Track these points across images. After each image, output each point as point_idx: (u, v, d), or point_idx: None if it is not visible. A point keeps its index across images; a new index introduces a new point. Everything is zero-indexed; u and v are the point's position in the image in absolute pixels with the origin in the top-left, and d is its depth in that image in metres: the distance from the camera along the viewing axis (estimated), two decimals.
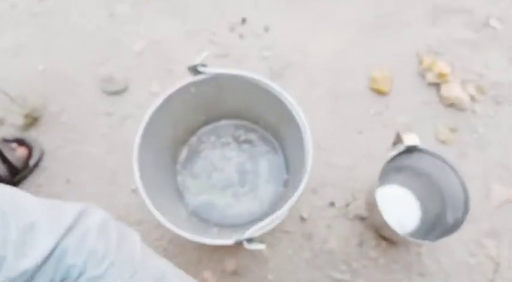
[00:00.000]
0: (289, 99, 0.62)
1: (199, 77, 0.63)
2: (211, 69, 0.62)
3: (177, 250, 0.74)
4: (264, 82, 0.63)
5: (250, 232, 0.53)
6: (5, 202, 0.34)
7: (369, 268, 0.73)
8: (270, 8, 0.99)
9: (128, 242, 0.39)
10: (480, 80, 0.89)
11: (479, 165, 0.81)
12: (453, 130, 0.84)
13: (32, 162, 0.79)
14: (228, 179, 0.77)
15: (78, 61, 0.92)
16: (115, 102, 0.87)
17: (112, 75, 0.89)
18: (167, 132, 0.70)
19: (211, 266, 0.73)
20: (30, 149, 0.79)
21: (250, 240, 0.53)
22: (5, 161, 0.74)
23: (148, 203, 0.55)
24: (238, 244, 0.54)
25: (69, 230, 0.35)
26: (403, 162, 0.70)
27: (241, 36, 0.95)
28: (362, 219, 0.76)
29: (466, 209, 0.63)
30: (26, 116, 0.83)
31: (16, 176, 0.77)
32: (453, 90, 0.85)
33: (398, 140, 0.66)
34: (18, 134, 0.81)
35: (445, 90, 0.86)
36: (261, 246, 0.53)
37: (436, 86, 0.88)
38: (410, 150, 0.65)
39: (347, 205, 0.78)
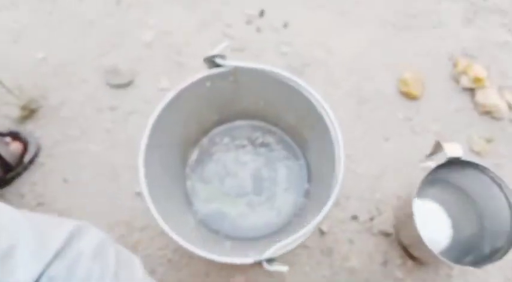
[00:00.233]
0: (316, 95, 0.55)
1: (215, 70, 0.58)
2: (231, 62, 0.57)
3: (183, 261, 0.69)
4: (287, 77, 0.57)
5: (272, 252, 0.47)
6: None
7: None
8: (289, 0, 0.93)
9: (127, 268, 0.35)
10: None
11: None
12: (489, 140, 0.78)
13: (26, 158, 0.75)
14: (242, 185, 0.71)
15: (81, 50, 0.87)
16: (119, 96, 0.83)
17: (117, 66, 0.85)
18: (177, 132, 0.65)
19: (220, 281, 0.67)
20: (25, 144, 0.76)
21: (270, 260, 0.47)
22: None
23: (153, 210, 0.50)
24: (257, 263, 0.47)
25: (58, 254, 0.30)
26: (436, 174, 0.64)
27: (258, 29, 0.89)
28: (387, 235, 0.71)
29: None
30: (23, 108, 0.79)
31: (9, 173, 0.73)
32: (490, 96, 0.79)
33: (437, 149, 0.59)
34: (13, 127, 0.78)
35: (480, 96, 0.80)
36: (283, 269, 0.47)
37: (471, 91, 0.82)
38: (452, 161, 0.58)
39: (371, 219, 0.72)
